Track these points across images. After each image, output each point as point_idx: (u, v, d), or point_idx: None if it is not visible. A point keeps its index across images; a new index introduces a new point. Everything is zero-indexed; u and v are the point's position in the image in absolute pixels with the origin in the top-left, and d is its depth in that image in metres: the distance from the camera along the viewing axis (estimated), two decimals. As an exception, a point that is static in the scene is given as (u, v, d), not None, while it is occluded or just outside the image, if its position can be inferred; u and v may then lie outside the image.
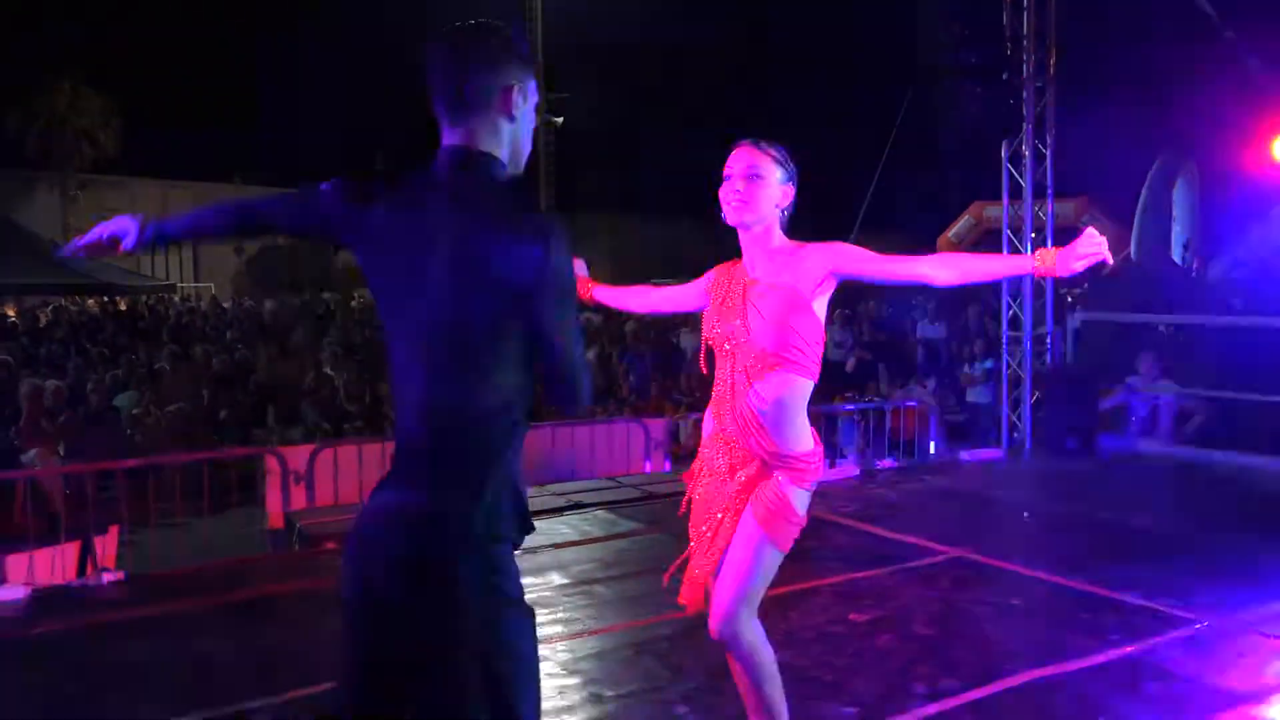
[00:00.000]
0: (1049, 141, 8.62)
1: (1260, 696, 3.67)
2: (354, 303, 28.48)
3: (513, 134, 2.00)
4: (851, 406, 8.24)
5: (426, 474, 1.88)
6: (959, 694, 3.67)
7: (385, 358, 2.02)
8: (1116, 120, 16.00)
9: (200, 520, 6.92)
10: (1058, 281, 9.02)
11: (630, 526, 6.25)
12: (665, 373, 11.82)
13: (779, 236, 2.81)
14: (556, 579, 5.10)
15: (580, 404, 1.93)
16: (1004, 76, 8.44)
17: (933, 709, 3.54)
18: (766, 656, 2.80)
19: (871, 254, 2.73)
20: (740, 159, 2.75)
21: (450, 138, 1.97)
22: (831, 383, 10.63)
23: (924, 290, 2.38)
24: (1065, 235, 9.09)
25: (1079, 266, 2.51)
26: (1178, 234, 18.77)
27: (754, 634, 2.78)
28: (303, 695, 3.71)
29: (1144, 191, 18.73)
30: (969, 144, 8.84)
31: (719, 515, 2.80)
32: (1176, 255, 18.58)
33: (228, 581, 5.24)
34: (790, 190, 2.79)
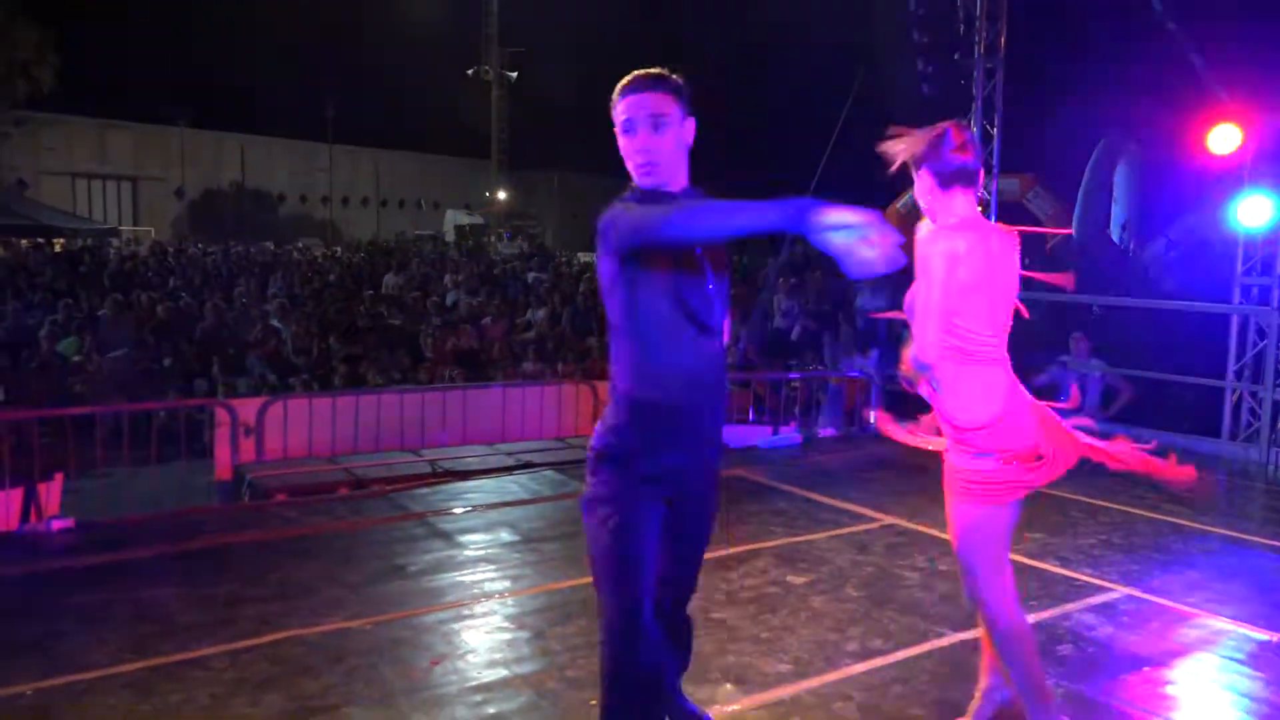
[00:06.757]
0: (996, 121, 8.83)
1: (1163, 660, 3.94)
2: (296, 254, 28.08)
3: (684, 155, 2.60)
4: (797, 376, 8.42)
5: None
6: (887, 654, 3.89)
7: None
8: (1063, 101, 16.31)
9: (145, 469, 6.92)
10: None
11: (577, 487, 6.38)
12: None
13: None
14: (505, 536, 5.22)
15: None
16: (955, 56, 8.61)
17: (861, 667, 3.75)
18: (1006, 620, 2.98)
19: None
20: None
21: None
22: (777, 351, 10.85)
23: None
24: (1012, 210, 9.32)
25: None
26: (1117, 214, 19.23)
27: (991, 594, 2.98)
28: (258, 644, 3.81)
29: (1087, 171, 19.13)
30: (920, 121, 8.99)
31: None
32: (1115, 235, 19.06)
33: (179, 531, 5.27)
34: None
